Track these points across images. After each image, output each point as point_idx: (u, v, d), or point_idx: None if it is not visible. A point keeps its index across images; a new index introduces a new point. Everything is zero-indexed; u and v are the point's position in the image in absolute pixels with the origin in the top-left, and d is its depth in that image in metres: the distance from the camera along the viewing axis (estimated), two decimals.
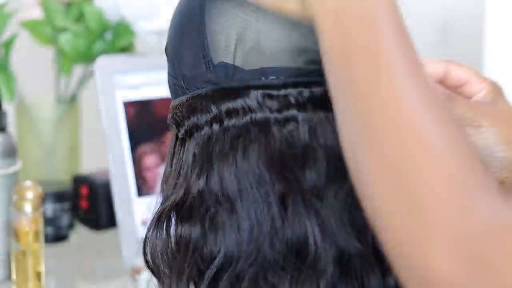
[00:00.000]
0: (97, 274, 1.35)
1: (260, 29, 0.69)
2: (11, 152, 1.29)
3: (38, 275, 1.17)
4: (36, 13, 1.55)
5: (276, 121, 0.68)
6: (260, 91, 0.68)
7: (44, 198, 1.22)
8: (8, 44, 1.51)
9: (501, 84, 0.80)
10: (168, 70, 0.74)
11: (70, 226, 1.50)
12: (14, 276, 1.18)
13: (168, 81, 0.74)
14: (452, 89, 0.76)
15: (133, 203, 1.33)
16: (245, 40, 0.69)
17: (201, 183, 0.69)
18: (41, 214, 1.19)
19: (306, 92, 0.69)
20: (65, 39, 1.50)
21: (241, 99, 0.69)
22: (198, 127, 0.70)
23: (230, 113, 0.69)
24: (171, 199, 0.71)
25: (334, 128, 0.64)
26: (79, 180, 1.54)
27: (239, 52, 0.69)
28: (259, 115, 0.68)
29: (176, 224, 0.70)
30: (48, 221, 1.41)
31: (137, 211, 1.32)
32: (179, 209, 0.70)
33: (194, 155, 0.70)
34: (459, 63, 0.77)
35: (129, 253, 1.28)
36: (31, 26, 1.53)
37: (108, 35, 1.52)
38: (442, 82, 0.76)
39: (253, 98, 0.69)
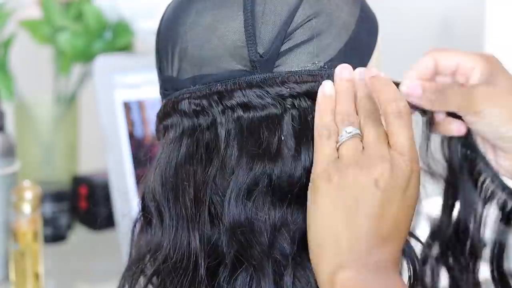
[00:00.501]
0: (96, 274, 1.35)
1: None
2: (10, 152, 1.29)
3: (36, 276, 1.17)
4: (35, 12, 1.54)
5: None
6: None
7: (43, 198, 1.22)
8: (7, 44, 1.51)
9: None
10: None
11: (69, 226, 1.50)
12: (12, 276, 1.18)
13: None
14: (448, 77, 0.76)
15: (133, 203, 1.33)
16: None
17: None
18: (40, 215, 1.19)
19: None
20: (64, 38, 1.49)
21: None
22: None
23: None
24: None
25: None
26: (78, 180, 1.54)
27: None
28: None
29: None
30: (47, 222, 1.41)
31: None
32: None
33: None
34: (445, 48, 0.76)
35: None
36: (30, 26, 1.53)
37: (107, 35, 1.52)
38: (436, 74, 0.76)
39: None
